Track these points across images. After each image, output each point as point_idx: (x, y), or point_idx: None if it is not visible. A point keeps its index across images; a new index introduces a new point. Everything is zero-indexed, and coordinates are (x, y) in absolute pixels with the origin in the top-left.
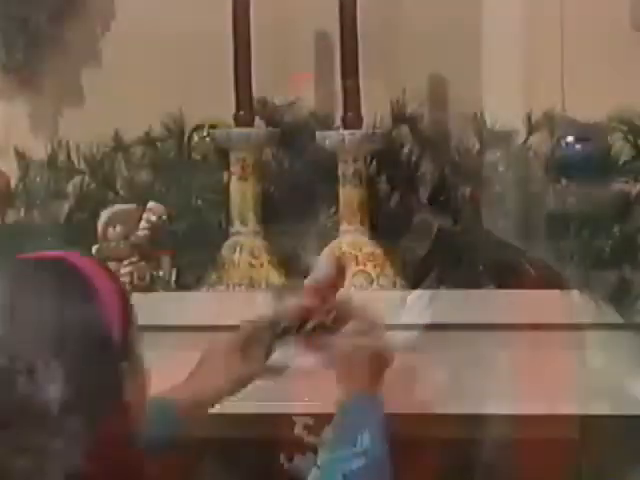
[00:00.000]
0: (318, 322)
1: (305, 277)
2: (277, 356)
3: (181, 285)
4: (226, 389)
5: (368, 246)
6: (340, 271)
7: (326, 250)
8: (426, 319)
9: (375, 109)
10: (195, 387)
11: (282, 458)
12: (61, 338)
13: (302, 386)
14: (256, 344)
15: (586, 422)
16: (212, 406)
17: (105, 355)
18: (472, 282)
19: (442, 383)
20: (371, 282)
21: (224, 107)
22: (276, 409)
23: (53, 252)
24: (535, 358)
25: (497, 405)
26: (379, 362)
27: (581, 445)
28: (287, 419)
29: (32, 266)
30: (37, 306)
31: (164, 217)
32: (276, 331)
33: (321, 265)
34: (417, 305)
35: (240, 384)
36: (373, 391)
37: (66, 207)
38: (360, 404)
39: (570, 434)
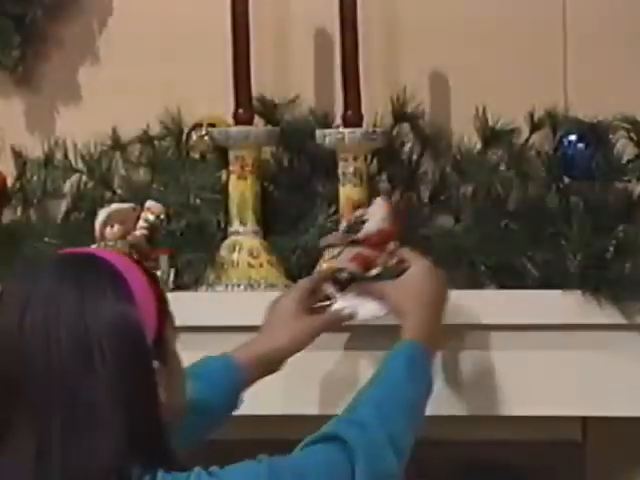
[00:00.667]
0: (381, 269)
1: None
2: (341, 305)
3: (179, 285)
4: (291, 347)
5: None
6: (397, 217)
7: (378, 199)
8: None
9: (375, 107)
10: (259, 348)
11: None
12: (92, 338)
13: None
14: (316, 298)
15: (591, 424)
16: (279, 365)
17: (137, 354)
18: (472, 282)
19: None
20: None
21: (223, 105)
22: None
23: (84, 248)
24: (538, 359)
25: (500, 407)
26: (441, 301)
27: (586, 447)
28: None
29: (63, 260)
30: (69, 304)
31: (162, 216)
32: (340, 280)
33: (377, 213)
34: None
35: (305, 340)
36: (436, 343)
37: (63, 206)
38: (422, 352)
39: (574, 436)
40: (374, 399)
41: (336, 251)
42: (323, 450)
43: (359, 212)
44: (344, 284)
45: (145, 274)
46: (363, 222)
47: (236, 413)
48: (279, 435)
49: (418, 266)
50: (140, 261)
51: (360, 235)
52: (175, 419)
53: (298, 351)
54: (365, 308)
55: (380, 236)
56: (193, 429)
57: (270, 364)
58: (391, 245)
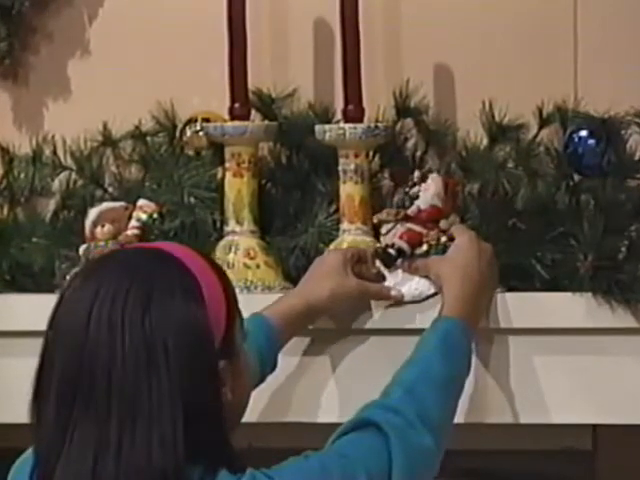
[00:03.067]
0: (430, 246)
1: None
2: (388, 283)
3: None
4: (329, 302)
5: (370, 246)
6: (449, 193)
7: (433, 175)
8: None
9: (378, 101)
10: (295, 302)
11: None
12: (157, 338)
13: None
14: (362, 265)
15: (601, 432)
16: (317, 315)
17: (202, 356)
18: None
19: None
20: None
21: (218, 99)
22: None
23: (152, 243)
24: (546, 365)
25: (507, 415)
26: (485, 275)
27: (596, 456)
28: None
29: (133, 255)
30: (135, 303)
31: (155, 216)
32: (388, 257)
33: (430, 189)
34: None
35: (344, 298)
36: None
37: (52, 205)
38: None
39: (584, 445)
40: (407, 381)
41: (390, 226)
42: (361, 438)
43: (415, 188)
44: (392, 261)
45: (215, 270)
46: (416, 197)
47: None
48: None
49: (463, 238)
50: (210, 257)
51: (411, 211)
52: (240, 417)
53: (333, 310)
54: (412, 286)
55: (430, 212)
56: None
57: (305, 318)
58: (442, 223)
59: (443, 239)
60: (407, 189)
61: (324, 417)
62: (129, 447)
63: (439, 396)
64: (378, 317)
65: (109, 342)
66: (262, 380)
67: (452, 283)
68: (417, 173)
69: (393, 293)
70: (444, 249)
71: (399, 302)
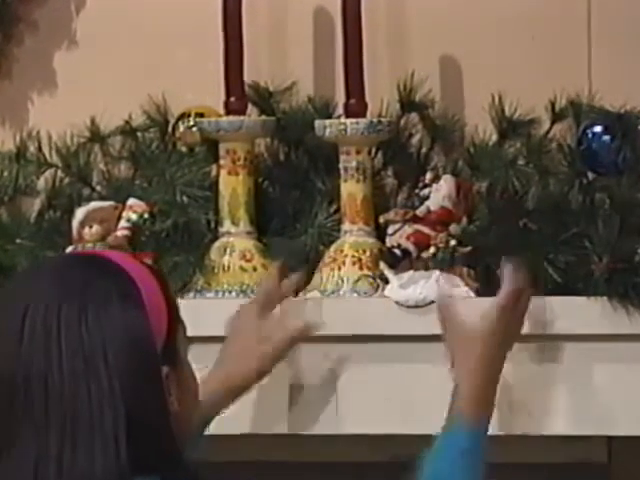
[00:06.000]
0: (438, 249)
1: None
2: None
3: None
4: (260, 376)
5: (373, 248)
6: (462, 196)
7: (446, 176)
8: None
9: (381, 95)
10: (222, 374)
11: None
12: (95, 346)
13: None
14: (275, 305)
15: (617, 444)
16: (247, 388)
17: (144, 363)
18: (487, 288)
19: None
20: (377, 288)
21: (213, 93)
22: None
23: (89, 249)
24: (559, 373)
25: (518, 426)
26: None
27: (611, 469)
28: None
29: (67, 263)
30: (71, 310)
31: (146, 215)
32: (393, 258)
33: (441, 190)
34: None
35: (275, 359)
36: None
37: (37, 204)
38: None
39: (599, 457)
40: None
41: (397, 226)
42: None
43: (426, 189)
44: (396, 262)
45: (155, 276)
46: (427, 198)
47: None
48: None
49: (505, 301)
50: (148, 262)
51: (420, 211)
52: (187, 430)
53: (268, 373)
54: (417, 290)
55: (440, 214)
56: None
57: (241, 392)
58: (452, 227)
59: (452, 243)
60: (418, 190)
61: (322, 429)
62: (70, 457)
63: None
64: (379, 323)
65: (44, 353)
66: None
67: (472, 368)
68: (429, 174)
69: (309, 325)
70: (452, 253)
71: (402, 306)
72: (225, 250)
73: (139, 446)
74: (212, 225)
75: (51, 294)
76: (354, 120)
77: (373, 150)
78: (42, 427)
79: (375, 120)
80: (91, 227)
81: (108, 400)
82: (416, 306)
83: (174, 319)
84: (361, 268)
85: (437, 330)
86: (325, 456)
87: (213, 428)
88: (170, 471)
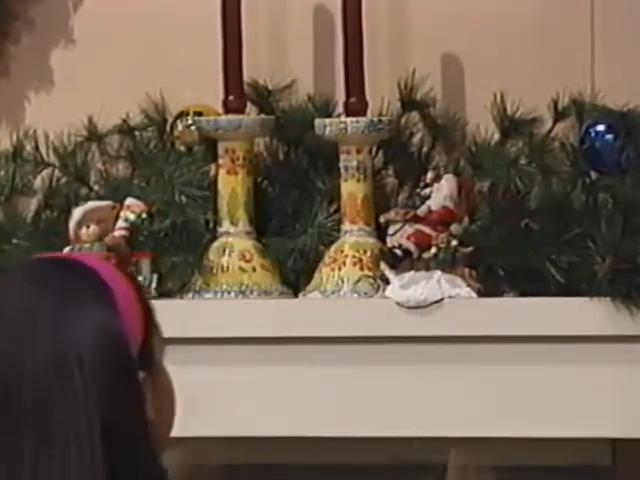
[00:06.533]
0: (440, 249)
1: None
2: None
3: (163, 292)
4: None
5: (374, 248)
6: (463, 196)
7: (447, 176)
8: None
9: (381, 93)
10: None
11: None
12: (70, 351)
13: None
14: None
15: (621, 447)
16: None
17: (120, 369)
18: (489, 288)
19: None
20: (377, 289)
21: (211, 91)
22: None
23: (61, 253)
24: (562, 375)
25: (520, 429)
26: None
27: (615, 472)
28: None
29: (41, 266)
30: (43, 315)
31: (144, 215)
32: (394, 258)
33: (442, 189)
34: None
35: None
36: None
37: (33, 204)
38: None
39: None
40: None
41: (398, 226)
42: None
43: (427, 189)
44: (397, 263)
45: (129, 280)
46: (428, 198)
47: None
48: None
49: None
50: (123, 266)
51: (421, 211)
52: (164, 437)
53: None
54: (418, 291)
55: (442, 214)
56: None
57: None
58: (454, 227)
59: (453, 243)
60: (419, 189)
61: (324, 431)
62: (46, 468)
63: None
64: (379, 324)
65: (16, 360)
66: None
67: None
68: (430, 173)
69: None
70: (453, 254)
71: (403, 307)
72: (224, 250)
73: (115, 454)
74: (211, 225)
75: (26, 297)
76: (354, 119)
77: (374, 149)
78: (16, 437)
79: (376, 119)
80: (88, 227)
81: (83, 406)
82: (417, 307)
83: (149, 323)
84: (362, 268)
85: (438, 331)
86: (325, 459)
87: (205, 430)
88: (147, 479)
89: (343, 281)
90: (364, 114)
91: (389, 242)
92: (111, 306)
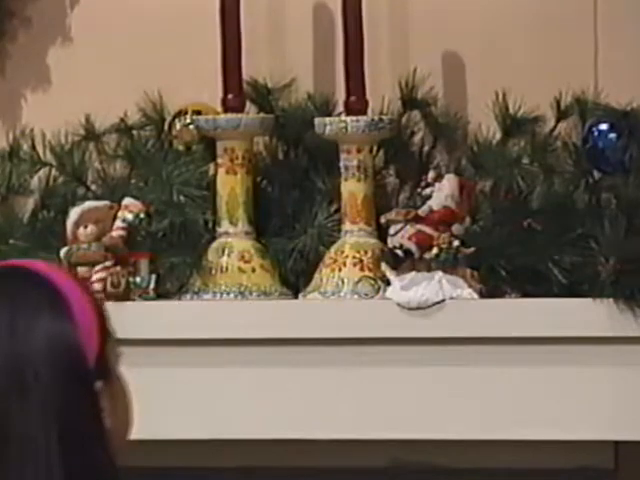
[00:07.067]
0: (441, 249)
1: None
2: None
3: (161, 293)
4: None
5: (374, 249)
6: (465, 196)
7: (449, 175)
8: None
9: (382, 92)
10: None
11: None
12: (25, 362)
13: None
14: None
15: (624, 449)
16: None
17: (77, 379)
18: (491, 289)
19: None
20: (378, 290)
21: (210, 90)
22: None
23: (14, 261)
24: (564, 376)
25: (522, 430)
26: None
27: (618, 475)
28: None
29: None
30: (4, 318)
31: (142, 215)
32: (395, 259)
33: (444, 189)
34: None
35: None
36: None
37: (30, 204)
38: None
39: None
40: None
41: (399, 226)
42: None
43: (428, 189)
44: (398, 263)
45: (83, 288)
46: (429, 197)
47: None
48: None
49: None
50: (76, 274)
51: (422, 211)
52: (121, 447)
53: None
54: (419, 292)
55: (443, 214)
56: None
57: None
58: (455, 227)
59: (455, 243)
60: (420, 189)
61: (324, 432)
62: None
63: None
64: (380, 325)
65: None
66: None
67: None
68: (431, 173)
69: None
70: (455, 254)
71: (404, 308)
72: (223, 251)
73: (74, 467)
74: (210, 225)
75: None
76: (355, 118)
77: (374, 148)
78: None
79: (376, 118)
80: (86, 227)
81: (41, 421)
82: (418, 308)
83: (104, 331)
84: (362, 269)
85: (439, 333)
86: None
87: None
88: None
89: (343, 282)
90: (365, 113)
91: (390, 242)
92: (66, 315)
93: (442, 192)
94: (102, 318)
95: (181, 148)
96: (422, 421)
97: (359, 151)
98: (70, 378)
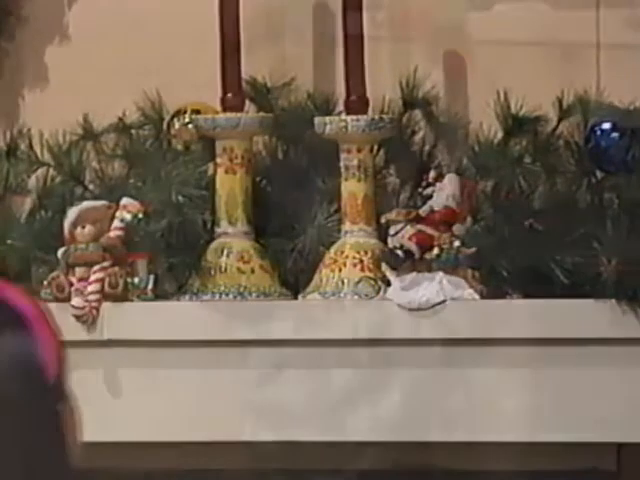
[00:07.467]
0: (442, 249)
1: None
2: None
3: (159, 294)
4: None
5: (375, 249)
6: (466, 196)
7: (450, 175)
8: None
9: (383, 91)
10: None
11: None
12: None
13: None
14: None
15: (626, 451)
16: None
17: (41, 400)
18: (493, 290)
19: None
20: (378, 290)
21: (209, 89)
22: None
23: None
24: (567, 378)
25: (523, 432)
26: None
27: (620, 478)
28: None
29: None
30: None
31: (140, 215)
32: (395, 259)
33: (445, 189)
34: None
35: None
36: None
37: (28, 204)
38: None
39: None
40: None
41: (400, 226)
42: None
43: (429, 188)
44: (399, 264)
45: (36, 307)
46: (430, 197)
47: None
48: None
49: None
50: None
51: (423, 211)
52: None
53: None
54: (419, 293)
55: (444, 214)
56: None
57: None
58: (456, 227)
59: (456, 243)
60: (421, 189)
61: (323, 434)
62: None
63: None
64: (380, 326)
65: None
66: None
67: None
68: (432, 173)
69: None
70: (456, 254)
71: (404, 309)
72: (222, 251)
73: None
74: (208, 225)
75: None
76: (355, 117)
77: (375, 148)
78: None
79: (377, 117)
80: (84, 227)
81: (5, 444)
82: (419, 309)
83: (61, 350)
84: (362, 270)
85: (440, 334)
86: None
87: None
88: None
89: (343, 282)
90: (365, 112)
91: (390, 243)
92: (27, 335)
93: (443, 192)
94: (56, 335)
95: (180, 147)
96: (422, 422)
97: (359, 151)
98: (34, 399)
